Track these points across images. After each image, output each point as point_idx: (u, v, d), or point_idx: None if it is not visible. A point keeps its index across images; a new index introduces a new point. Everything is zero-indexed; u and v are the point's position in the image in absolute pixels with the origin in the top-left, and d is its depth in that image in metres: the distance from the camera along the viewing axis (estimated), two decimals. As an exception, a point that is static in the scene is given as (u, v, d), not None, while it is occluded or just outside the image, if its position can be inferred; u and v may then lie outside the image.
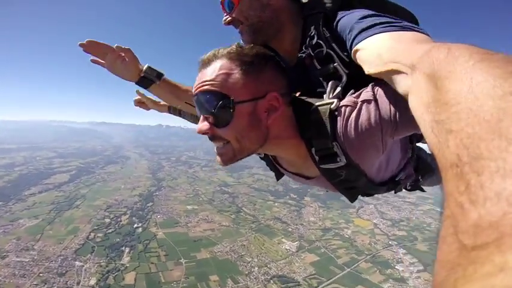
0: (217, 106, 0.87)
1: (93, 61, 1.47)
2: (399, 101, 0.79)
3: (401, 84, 0.66)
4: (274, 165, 1.33)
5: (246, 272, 34.47)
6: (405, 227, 48.94)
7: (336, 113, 0.91)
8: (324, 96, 1.02)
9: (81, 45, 1.39)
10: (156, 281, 31.22)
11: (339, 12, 1.05)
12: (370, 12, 0.95)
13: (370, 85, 0.91)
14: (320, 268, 35.79)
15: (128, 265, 33.00)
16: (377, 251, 39.85)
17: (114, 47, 1.41)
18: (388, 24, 0.85)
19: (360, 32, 0.90)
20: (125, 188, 68.61)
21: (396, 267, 35.35)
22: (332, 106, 0.91)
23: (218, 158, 0.98)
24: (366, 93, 0.88)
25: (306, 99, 1.02)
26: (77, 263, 32.23)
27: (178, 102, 1.65)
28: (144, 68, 1.48)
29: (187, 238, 42.78)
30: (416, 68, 0.56)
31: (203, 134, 0.94)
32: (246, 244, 42.06)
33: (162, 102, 2.02)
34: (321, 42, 1.06)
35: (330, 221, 51.09)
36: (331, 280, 33.33)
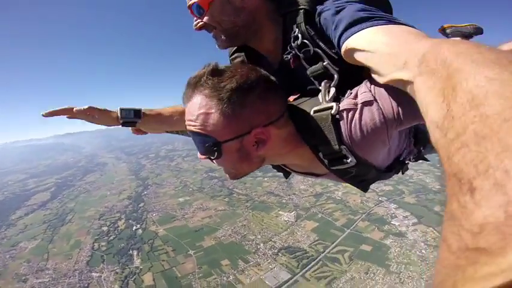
0: (204, 148, 0.92)
1: (69, 117, 1.42)
2: (400, 95, 0.78)
3: (407, 83, 0.64)
4: (280, 167, 1.31)
5: (253, 250, 35.04)
6: (390, 181, 49.67)
7: (338, 117, 0.90)
8: (319, 97, 0.98)
9: (44, 115, 1.38)
10: (173, 276, 31.68)
11: (318, 6, 0.99)
12: (351, 4, 0.91)
13: (364, 83, 0.90)
14: (322, 233, 36.84)
15: (141, 267, 33.67)
16: (370, 209, 41.45)
17: (74, 109, 1.37)
18: (374, 18, 0.82)
19: (346, 28, 0.86)
20: (111, 194, 67.44)
21: (392, 222, 36.82)
22: (332, 112, 0.90)
23: (225, 176, 1.04)
24: (365, 94, 0.87)
25: (302, 105, 1.00)
26: (94, 274, 32.76)
27: (168, 128, 1.61)
28: (119, 114, 1.41)
29: (189, 230, 42.88)
30: (421, 66, 0.55)
31: (203, 159, 1.00)
32: (246, 223, 42.52)
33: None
34: (306, 41, 1.01)
35: (319, 186, 52.32)
36: (335, 243, 34.42)
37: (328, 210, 43.05)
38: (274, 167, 1.36)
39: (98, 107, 1.42)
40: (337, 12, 0.91)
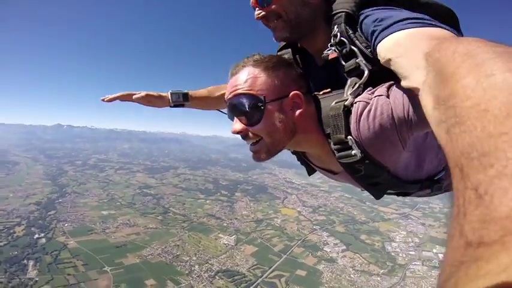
0: (250, 106, 0.99)
1: (123, 101, 1.63)
2: (414, 98, 0.79)
3: (415, 81, 0.66)
4: (305, 161, 1.36)
5: (186, 272, 32.21)
6: (323, 212, 54.41)
7: (351, 108, 0.94)
8: (344, 93, 1.03)
9: (106, 101, 1.58)
10: None
11: (362, 12, 1.06)
12: (391, 10, 0.98)
13: (387, 83, 0.93)
14: (260, 258, 36.32)
15: (37, 279, 28.23)
16: (305, 236, 43.07)
17: (133, 97, 1.59)
18: (407, 21, 0.85)
19: (380, 32, 0.92)
20: (14, 196, 55.38)
21: (324, 248, 38.97)
22: (346, 102, 0.95)
23: (254, 155, 1.08)
24: (380, 89, 0.91)
25: (327, 98, 1.07)
26: None
27: (211, 108, 1.80)
28: (170, 98, 1.63)
29: (108, 245, 37.48)
30: (426, 64, 0.56)
31: (237, 133, 1.04)
32: (180, 244, 39.27)
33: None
34: (343, 39, 1.07)
35: (260, 212, 52.72)
36: (272, 268, 34.11)
37: (267, 235, 43.20)
38: (298, 159, 1.40)
39: (154, 94, 1.61)
40: (378, 16, 0.96)
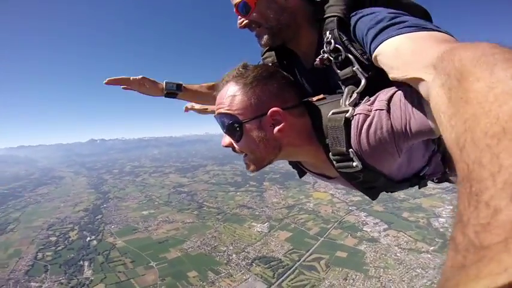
0: (228, 126, 1.01)
1: (125, 88, 1.66)
2: (415, 108, 0.79)
3: (423, 87, 0.64)
4: (296, 165, 1.36)
5: (225, 261, 32.09)
6: (358, 192, 50.16)
7: (351, 120, 0.92)
8: (340, 101, 1.00)
9: (106, 83, 1.60)
10: None
11: (353, 15, 1.03)
12: (384, 12, 0.93)
13: (385, 92, 0.90)
14: (296, 242, 35.18)
15: (92, 278, 29.70)
16: (341, 217, 40.88)
17: (131, 79, 1.61)
18: (404, 25, 0.83)
19: (376, 35, 0.88)
20: (65, 206, 60.47)
21: (364, 229, 36.49)
22: (347, 115, 0.92)
23: (245, 167, 1.09)
24: (380, 102, 0.87)
25: (323, 105, 1.04)
26: (33, 284, 28.85)
27: (204, 102, 1.90)
28: (164, 85, 1.66)
29: (151, 242, 38.97)
30: (437, 69, 0.54)
31: (226, 147, 1.07)
32: (216, 235, 39.51)
33: (209, 108, 2.15)
34: (339, 46, 1.04)
35: (291, 199, 51.47)
36: (310, 251, 32.76)
37: (301, 220, 41.92)
38: (290, 163, 1.37)
39: (150, 78, 1.66)
40: (370, 20, 0.92)
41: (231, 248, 35.18)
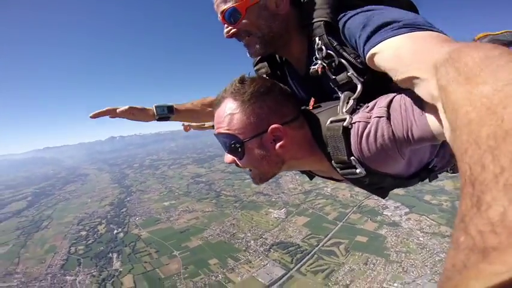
0: (229, 146, 0.99)
1: (112, 117, 1.55)
2: (416, 114, 0.77)
3: (424, 89, 0.63)
4: (305, 171, 1.35)
5: (244, 248, 32.31)
6: None
7: (350, 127, 0.90)
8: (338, 108, 0.98)
9: (92, 117, 1.49)
10: (155, 278, 29.13)
11: (341, 17, 0.97)
12: (374, 11, 0.88)
13: (384, 97, 0.86)
14: (314, 227, 34.64)
15: (121, 269, 31.04)
16: (360, 202, 39.75)
17: (117, 111, 1.50)
18: (398, 25, 0.79)
19: (370, 37, 0.84)
20: (92, 201, 63.87)
21: (384, 213, 35.21)
22: (344, 124, 0.90)
23: (252, 180, 1.09)
24: (379, 109, 0.84)
25: (320, 113, 1.02)
26: (68, 277, 30.32)
27: (200, 120, 1.87)
28: (154, 111, 1.57)
29: (174, 231, 40.03)
30: (440, 71, 0.53)
31: (229, 163, 1.06)
32: (234, 223, 39.83)
33: (207, 124, 2.22)
34: (331, 52, 1.00)
35: (307, 184, 50.39)
36: (329, 236, 32.15)
37: (319, 205, 41.24)
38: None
39: (137, 107, 1.56)
40: (361, 21, 0.88)
41: (249, 234, 35.31)
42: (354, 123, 0.88)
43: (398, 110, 0.80)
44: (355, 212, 37.26)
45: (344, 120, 0.89)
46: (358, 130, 0.86)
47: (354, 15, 0.91)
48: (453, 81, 0.45)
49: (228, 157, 1.04)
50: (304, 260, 28.31)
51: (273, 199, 46.72)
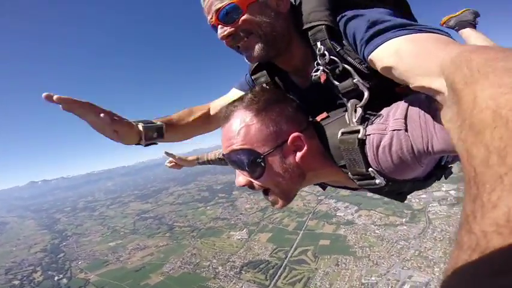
0: (248, 163, 0.86)
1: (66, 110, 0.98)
2: (437, 124, 0.73)
3: (432, 91, 0.62)
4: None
5: (212, 276, 29.74)
6: None
7: (365, 139, 0.84)
8: (346, 117, 0.91)
9: (46, 97, 0.88)
10: None
11: (341, 18, 0.89)
12: (373, 13, 0.85)
13: (399, 107, 0.81)
14: (278, 241, 34.23)
15: None
16: (314, 208, 41.24)
17: (98, 114, 0.98)
18: (399, 27, 0.76)
19: (370, 39, 0.79)
20: (18, 249, 55.14)
21: (337, 214, 37.02)
22: (359, 136, 0.83)
23: (273, 206, 0.97)
24: (396, 121, 0.79)
25: (328, 124, 0.95)
26: None
27: (187, 138, 1.51)
28: (143, 134, 1.13)
29: (127, 271, 35.47)
30: (446, 74, 0.52)
31: (242, 186, 0.94)
32: (195, 252, 36.73)
33: (190, 158, 1.98)
34: (334, 58, 0.91)
35: (262, 201, 49.52)
36: (294, 246, 31.95)
37: (277, 219, 41.28)
38: None
39: (122, 118, 1.06)
40: (360, 24, 0.83)
41: (215, 261, 32.70)
42: (369, 135, 0.82)
43: (418, 121, 0.75)
44: (311, 218, 38.29)
45: (357, 131, 0.83)
46: (373, 143, 0.82)
47: (354, 16, 0.85)
48: (458, 84, 0.44)
49: (241, 180, 0.92)
50: (278, 274, 27.27)
51: (232, 222, 44.88)
